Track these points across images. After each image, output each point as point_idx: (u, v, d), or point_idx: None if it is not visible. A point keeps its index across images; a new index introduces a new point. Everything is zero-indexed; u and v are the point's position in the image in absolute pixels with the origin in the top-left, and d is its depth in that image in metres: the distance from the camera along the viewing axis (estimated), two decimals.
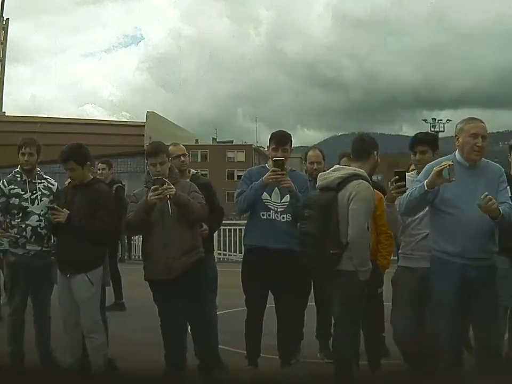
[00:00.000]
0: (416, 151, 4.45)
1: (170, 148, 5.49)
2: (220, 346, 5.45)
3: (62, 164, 4.79)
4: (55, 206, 4.77)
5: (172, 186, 4.55)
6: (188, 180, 5.26)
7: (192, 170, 5.54)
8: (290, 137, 5.12)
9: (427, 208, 4.22)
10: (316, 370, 5.23)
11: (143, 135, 59.84)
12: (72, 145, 4.89)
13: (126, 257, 14.38)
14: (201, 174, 5.73)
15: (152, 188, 4.53)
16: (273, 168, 4.82)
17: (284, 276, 4.88)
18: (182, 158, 5.41)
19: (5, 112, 69.39)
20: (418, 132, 4.79)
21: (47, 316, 5.14)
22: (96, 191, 4.79)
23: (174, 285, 4.67)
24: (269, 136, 5.17)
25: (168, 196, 4.51)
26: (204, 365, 4.88)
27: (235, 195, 5.04)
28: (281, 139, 5.03)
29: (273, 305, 5.04)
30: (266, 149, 5.53)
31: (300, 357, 5.47)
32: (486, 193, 3.85)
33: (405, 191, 4.16)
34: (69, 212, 4.68)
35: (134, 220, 4.65)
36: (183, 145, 5.63)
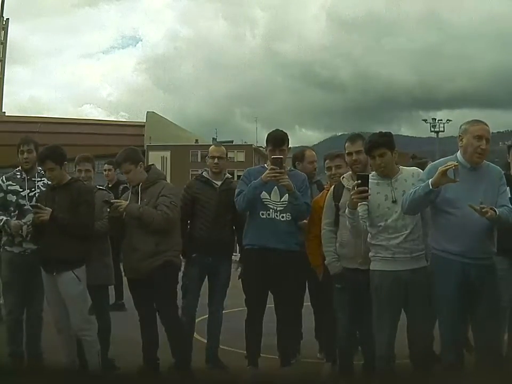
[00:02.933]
0: (375, 155, 4.28)
1: (210, 147, 5.57)
2: (220, 346, 5.46)
3: (40, 165, 4.85)
4: (39, 204, 4.78)
5: (121, 203, 4.87)
6: (220, 182, 5.40)
7: (228, 174, 5.57)
8: (287, 137, 5.09)
9: (399, 211, 4.21)
10: (315, 370, 5.23)
11: (143, 135, 59.83)
12: (49, 146, 4.93)
13: None
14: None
15: (106, 207, 4.95)
16: (271, 166, 4.82)
17: (284, 275, 4.89)
18: (216, 160, 5.43)
19: (5, 112, 69.40)
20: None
21: (40, 316, 5.12)
22: (76, 189, 4.82)
23: (145, 285, 4.84)
24: (266, 136, 5.14)
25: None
26: (178, 364, 4.95)
27: (235, 195, 5.05)
28: (277, 141, 4.99)
29: (273, 305, 5.05)
30: (264, 149, 5.50)
31: (299, 357, 5.49)
32: (481, 202, 3.92)
33: (367, 197, 4.16)
34: (51, 210, 4.69)
35: (110, 228, 5.11)
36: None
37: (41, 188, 5.13)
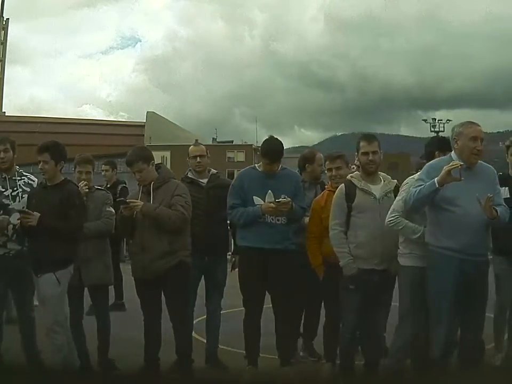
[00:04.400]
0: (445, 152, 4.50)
1: (190, 147, 5.53)
2: (219, 346, 5.46)
3: (38, 155, 4.77)
4: (26, 210, 4.72)
5: (138, 203, 4.79)
6: (206, 179, 5.37)
7: (213, 170, 5.53)
8: (283, 148, 5.08)
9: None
10: (315, 370, 5.23)
11: (143, 135, 59.86)
12: (53, 141, 4.90)
13: (126, 257, 14.33)
14: None
15: (121, 206, 4.84)
16: (275, 207, 4.83)
17: (281, 275, 4.90)
18: (198, 159, 5.42)
19: (5, 112, 69.42)
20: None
21: (31, 316, 5.06)
22: (67, 191, 4.77)
23: (155, 285, 4.81)
24: (261, 145, 5.12)
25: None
26: (180, 362, 4.97)
27: (227, 206, 5.04)
28: (274, 157, 4.98)
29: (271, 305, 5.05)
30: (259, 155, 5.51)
31: (299, 356, 5.48)
32: (490, 195, 4.06)
33: None
34: (39, 214, 4.61)
35: (120, 228, 5.00)
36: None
37: (23, 187, 5.04)
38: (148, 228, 4.82)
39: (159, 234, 4.78)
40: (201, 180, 5.41)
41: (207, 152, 5.54)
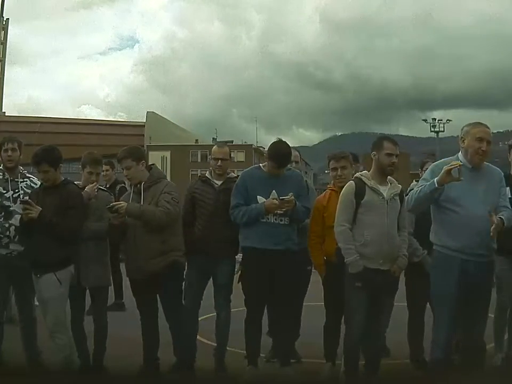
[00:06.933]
0: None
1: (213, 147, 5.49)
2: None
3: (35, 167, 4.74)
4: (29, 200, 4.69)
5: (121, 205, 4.78)
6: (221, 182, 5.30)
7: (232, 174, 5.44)
8: (291, 153, 5.05)
9: None
10: (315, 370, 5.22)
11: (143, 135, 59.88)
12: (45, 147, 4.84)
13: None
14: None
15: (111, 216, 4.85)
16: (278, 204, 4.83)
17: (283, 276, 4.89)
18: (219, 162, 5.34)
19: (5, 112, 69.38)
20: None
21: (33, 316, 5.05)
22: (67, 192, 4.76)
23: (149, 285, 4.82)
24: (269, 147, 5.10)
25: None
26: (179, 363, 4.96)
27: (231, 206, 5.02)
28: (282, 162, 4.96)
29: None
30: (264, 155, 5.38)
31: (298, 355, 5.48)
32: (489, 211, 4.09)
33: None
34: (41, 208, 4.61)
35: (111, 233, 5.02)
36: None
37: (25, 189, 5.04)
38: (139, 228, 4.82)
39: (150, 234, 4.79)
40: (215, 181, 5.33)
41: (230, 155, 5.49)
